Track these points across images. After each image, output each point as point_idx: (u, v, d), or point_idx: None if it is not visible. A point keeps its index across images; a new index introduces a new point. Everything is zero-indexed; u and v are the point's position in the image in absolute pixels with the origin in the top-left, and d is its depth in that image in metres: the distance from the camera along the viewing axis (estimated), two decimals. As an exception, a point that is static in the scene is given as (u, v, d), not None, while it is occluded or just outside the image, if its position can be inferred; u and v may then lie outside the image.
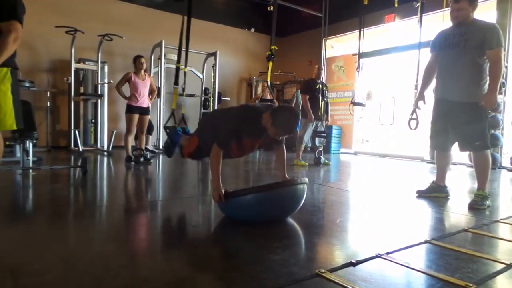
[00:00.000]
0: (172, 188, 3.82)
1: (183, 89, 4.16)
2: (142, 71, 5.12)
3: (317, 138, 5.86)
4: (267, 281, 1.33)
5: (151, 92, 5.31)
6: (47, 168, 4.03)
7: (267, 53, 4.62)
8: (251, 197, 2.13)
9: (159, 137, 7.35)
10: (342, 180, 4.60)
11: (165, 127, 3.47)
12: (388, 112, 8.09)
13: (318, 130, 5.80)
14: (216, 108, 8.26)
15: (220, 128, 2.31)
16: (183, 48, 4.08)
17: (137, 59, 5.11)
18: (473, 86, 2.83)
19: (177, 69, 4.11)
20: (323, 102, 5.66)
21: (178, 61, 4.13)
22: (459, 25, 2.89)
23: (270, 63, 4.64)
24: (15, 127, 2.20)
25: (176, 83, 4.07)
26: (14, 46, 2.12)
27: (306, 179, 2.27)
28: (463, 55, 2.84)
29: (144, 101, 5.12)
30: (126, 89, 5.11)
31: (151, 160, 5.26)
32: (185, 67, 4.15)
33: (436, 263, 1.61)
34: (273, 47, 4.60)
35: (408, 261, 1.58)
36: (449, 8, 2.96)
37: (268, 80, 4.93)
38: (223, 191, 2.18)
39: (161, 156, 6.37)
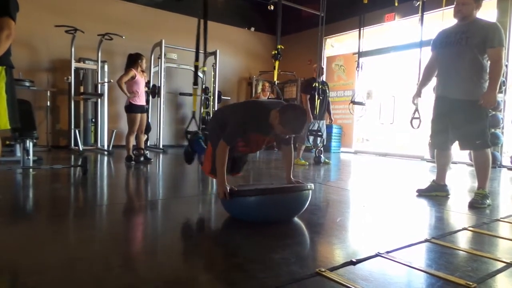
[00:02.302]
0: (172, 187, 3.82)
1: (206, 89, 4.01)
2: (140, 69, 5.13)
3: (317, 138, 5.83)
4: (267, 280, 1.33)
5: None
6: (47, 168, 4.03)
7: (273, 52, 4.59)
8: (256, 199, 2.11)
9: (159, 137, 7.35)
10: (342, 179, 4.60)
11: (186, 132, 3.36)
12: (388, 111, 8.08)
13: (312, 129, 5.70)
14: (216, 107, 8.25)
15: (228, 124, 2.26)
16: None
17: (140, 58, 5.08)
18: (474, 84, 2.83)
19: (196, 68, 3.98)
20: (318, 100, 5.59)
21: (197, 59, 4.01)
22: (461, 23, 2.89)
23: (277, 62, 4.61)
24: (8, 127, 2.19)
25: (195, 83, 3.95)
26: (7, 43, 2.11)
27: (312, 185, 2.26)
28: (464, 53, 2.83)
29: (143, 99, 5.15)
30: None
31: (152, 160, 5.27)
32: (204, 66, 4.05)
33: (437, 261, 1.61)
34: (279, 46, 4.56)
35: (408, 260, 1.58)
36: (450, 7, 2.96)
37: (275, 79, 4.89)
38: (228, 188, 2.15)
39: (161, 156, 6.38)
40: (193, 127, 6.44)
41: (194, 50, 7.73)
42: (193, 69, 8.05)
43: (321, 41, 6.07)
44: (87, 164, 3.79)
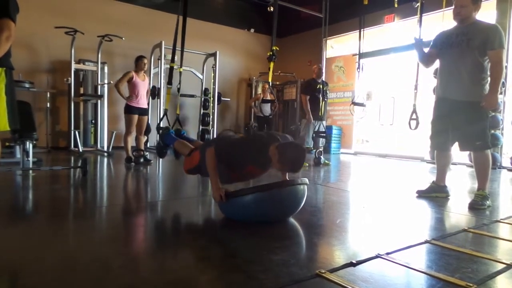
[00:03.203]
0: (171, 188, 3.82)
1: (178, 89, 4.13)
2: (142, 72, 5.11)
3: (321, 139, 5.85)
4: (267, 282, 1.33)
5: (147, 91, 5.29)
6: (47, 169, 4.03)
7: (268, 54, 4.60)
8: (252, 197, 2.12)
9: (158, 138, 7.34)
10: (342, 180, 4.60)
11: (158, 128, 3.47)
12: (388, 112, 8.08)
13: (318, 130, 5.78)
14: (216, 108, 8.25)
15: (227, 141, 2.31)
16: (178, 48, 4.04)
17: (140, 60, 5.07)
18: (475, 86, 2.83)
19: (171, 68, 4.09)
20: (323, 102, 5.66)
21: (172, 60, 4.11)
22: (462, 25, 2.89)
23: (272, 64, 4.63)
24: (8, 128, 2.18)
25: (169, 82, 4.05)
26: (7, 45, 2.11)
27: (306, 180, 2.26)
28: (465, 54, 2.84)
29: (143, 101, 5.11)
30: (125, 88, 5.09)
31: (151, 161, 5.26)
32: (181, 67, 4.11)
33: (436, 263, 1.61)
34: (274, 47, 4.58)
35: (408, 261, 1.58)
36: (449, 8, 2.96)
37: (270, 80, 4.93)
38: (223, 191, 2.16)
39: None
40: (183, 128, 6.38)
41: (196, 51, 7.79)
42: (193, 70, 8.13)
43: (323, 42, 6.10)
44: (87, 166, 3.79)
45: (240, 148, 2.24)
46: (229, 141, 2.30)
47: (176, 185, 4.02)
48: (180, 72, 4.11)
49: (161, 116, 3.85)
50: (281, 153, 2.05)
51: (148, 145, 7.19)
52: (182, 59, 4.10)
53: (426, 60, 3.20)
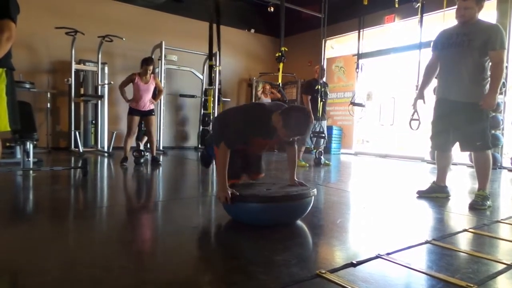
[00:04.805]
0: (172, 189, 3.82)
1: (219, 90, 3.95)
2: (148, 75, 5.02)
3: (320, 139, 5.84)
4: (267, 282, 1.33)
5: (158, 92, 5.26)
6: (47, 169, 4.03)
7: (277, 54, 4.60)
8: (259, 206, 2.08)
9: (159, 138, 7.35)
10: (343, 180, 4.60)
11: (203, 135, 3.28)
12: (388, 113, 8.08)
13: (316, 130, 5.76)
14: (216, 108, 8.26)
15: (230, 126, 2.21)
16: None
17: (142, 65, 4.97)
18: (475, 86, 2.83)
19: (210, 67, 3.96)
20: (321, 103, 5.65)
21: (210, 58, 3.99)
22: (463, 25, 2.89)
23: (281, 65, 4.63)
24: (8, 129, 2.19)
25: (210, 83, 3.93)
26: (8, 45, 2.11)
27: (315, 191, 2.23)
28: (466, 55, 2.83)
29: (144, 105, 5.01)
30: (130, 89, 5.06)
31: (160, 162, 5.24)
32: (219, 65, 4.02)
33: (437, 263, 1.61)
34: (283, 48, 4.58)
35: (408, 262, 1.58)
36: (450, 8, 2.96)
37: (280, 81, 4.94)
38: (229, 192, 2.07)
39: (161, 157, 6.37)
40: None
41: (197, 52, 7.81)
42: (193, 71, 8.14)
43: (323, 42, 6.11)
44: (87, 166, 3.79)
45: (247, 127, 2.14)
46: (235, 126, 2.17)
47: (176, 185, 4.02)
48: (220, 71, 4.01)
49: (202, 121, 3.68)
50: (285, 118, 1.98)
51: (148, 146, 7.20)
52: (219, 57, 3.95)
53: (432, 71, 3.16)
